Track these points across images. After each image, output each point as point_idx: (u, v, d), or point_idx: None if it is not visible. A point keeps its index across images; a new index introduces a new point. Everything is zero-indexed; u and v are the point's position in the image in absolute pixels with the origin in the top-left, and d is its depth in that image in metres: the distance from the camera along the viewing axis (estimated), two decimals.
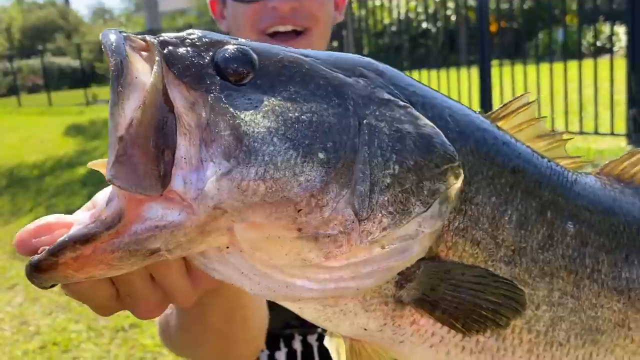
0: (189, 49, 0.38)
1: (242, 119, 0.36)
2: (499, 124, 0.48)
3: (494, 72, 5.33)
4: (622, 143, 4.85)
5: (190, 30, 0.41)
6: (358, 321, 0.42)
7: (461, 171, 0.40)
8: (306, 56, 0.42)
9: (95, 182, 7.01)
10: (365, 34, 8.89)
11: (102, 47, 0.38)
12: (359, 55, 0.45)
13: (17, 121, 14.06)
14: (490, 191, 0.42)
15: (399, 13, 8.29)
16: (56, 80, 17.32)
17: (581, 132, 5.00)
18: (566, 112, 5.00)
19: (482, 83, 5.53)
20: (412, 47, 7.43)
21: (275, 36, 0.87)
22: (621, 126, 4.96)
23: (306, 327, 0.89)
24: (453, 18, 9.00)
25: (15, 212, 6.73)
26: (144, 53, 0.38)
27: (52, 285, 0.37)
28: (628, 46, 4.62)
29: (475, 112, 0.48)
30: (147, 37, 0.39)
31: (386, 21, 9.04)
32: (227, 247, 0.37)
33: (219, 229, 0.36)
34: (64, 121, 12.61)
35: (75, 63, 16.46)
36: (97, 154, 8.69)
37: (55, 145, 9.94)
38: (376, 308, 0.41)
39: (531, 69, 5.10)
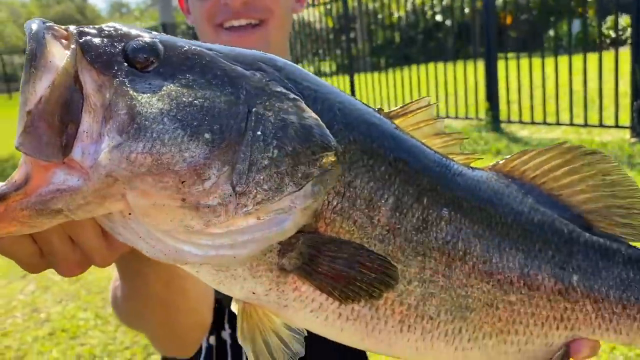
0: (103, 39, 0.44)
1: (138, 100, 0.41)
2: (397, 121, 0.53)
3: (511, 64, 5.20)
4: (626, 135, 4.80)
5: (109, 24, 0.46)
6: (247, 285, 0.46)
7: (336, 159, 0.44)
8: (210, 50, 0.46)
9: None
10: (378, 27, 8.89)
11: (25, 35, 0.43)
12: (262, 52, 0.50)
13: None
14: (369, 177, 0.47)
15: (413, 5, 8.26)
16: None
17: (585, 125, 4.94)
18: (571, 105, 4.95)
19: (488, 76, 5.51)
20: (424, 39, 7.40)
21: (231, 29, 0.90)
22: (626, 118, 4.90)
23: None
24: (467, 11, 8.95)
25: None
26: (64, 41, 0.43)
27: None
28: (633, 37, 4.57)
29: (369, 108, 0.52)
30: (70, 27, 0.45)
31: (401, 13, 9.00)
32: (129, 213, 0.42)
33: (113, 195, 0.41)
34: None
35: None
36: None
37: None
38: (262, 274, 0.46)
39: (546, 61, 5.01)
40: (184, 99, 0.41)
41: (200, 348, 0.95)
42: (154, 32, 0.47)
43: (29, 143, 0.39)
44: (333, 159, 0.44)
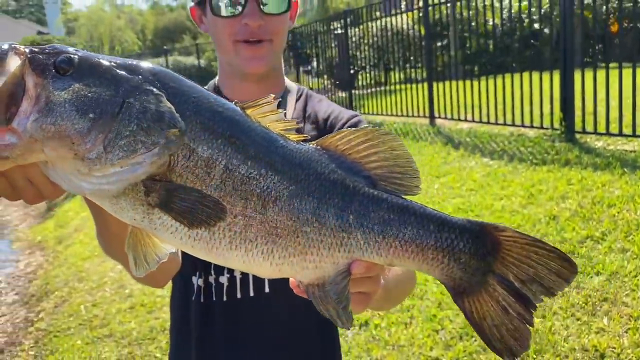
0: (44, 54, 0.68)
1: (53, 92, 0.65)
2: (249, 111, 0.74)
3: (599, 74, 4.98)
4: None
5: (52, 44, 0.71)
6: (129, 214, 0.69)
7: (179, 133, 0.67)
8: (109, 61, 0.70)
9: None
10: (472, 35, 8.83)
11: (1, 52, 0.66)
12: (149, 63, 0.74)
13: None
14: (208, 146, 0.69)
15: (510, 13, 8.15)
16: None
17: None
18: None
19: (563, 86, 5.38)
20: (521, 47, 7.27)
21: (247, 43, 1.12)
22: None
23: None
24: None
25: None
26: (21, 56, 0.67)
27: None
28: None
29: (220, 101, 0.74)
30: (26, 47, 0.69)
31: (496, 21, 8.90)
32: (52, 163, 0.67)
33: (36, 150, 0.65)
34: None
35: (196, 62, 17.79)
36: None
37: None
38: (137, 207, 0.69)
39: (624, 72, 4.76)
40: (81, 92, 0.66)
41: (193, 287, 1.20)
42: (79, 50, 0.71)
43: None
44: (177, 133, 0.67)
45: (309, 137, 0.79)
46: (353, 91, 9.37)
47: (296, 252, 0.73)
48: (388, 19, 8.53)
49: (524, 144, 5.50)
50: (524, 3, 8.53)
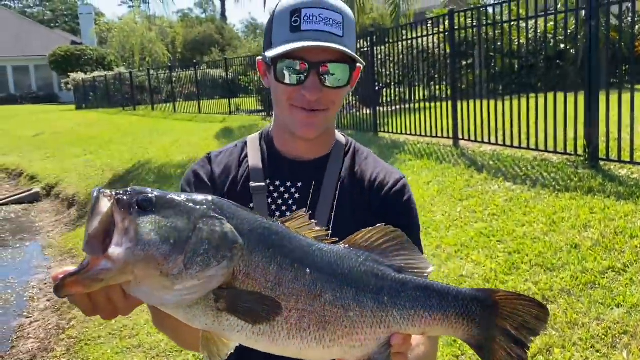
0: (127, 195, 0.83)
1: (139, 225, 0.80)
2: (287, 224, 0.91)
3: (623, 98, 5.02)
4: None
5: (132, 187, 0.86)
6: (201, 320, 0.83)
7: (240, 247, 0.83)
8: (178, 197, 0.86)
9: None
10: (497, 54, 8.90)
11: (93, 199, 0.82)
12: (211, 197, 0.89)
13: (171, 125, 15.89)
14: (262, 256, 0.85)
15: (535, 33, 8.21)
16: (207, 90, 19.19)
17: None
18: None
19: (588, 111, 5.41)
20: (547, 67, 7.32)
21: (304, 110, 1.17)
22: None
23: None
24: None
25: None
26: (109, 198, 0.82)
27: (65, 296, 0.81)
28: None
29: (265, 220, 0.90)
30: (113, 191, 0.83)
31: (521, 41, 8.95)
32: (137, 280, 0.81)
33: (127, 272, 0.79)
34: (208, 127, 14.05)
35: (224, 75, 18.12)
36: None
37: (198, 149, 11.15)
38: (208, 312, 0.83)
39: None
40: (162, 223, 0.81)
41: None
42: (154, 190, 0.86)
43: (88, 249, 0.79)
44: (239, 247, 0.83)
45: (335, 240, 0.95)
46: (378, 108, 9.48)
47: (344, 335, 0.88)
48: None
49: (547, 169, 5.54)
50: (550, 24, 8.61)
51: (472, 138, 7.17)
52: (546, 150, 5.96)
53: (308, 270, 0.86)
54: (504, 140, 6.61)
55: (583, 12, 5.55)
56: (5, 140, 18.30)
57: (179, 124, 15.92)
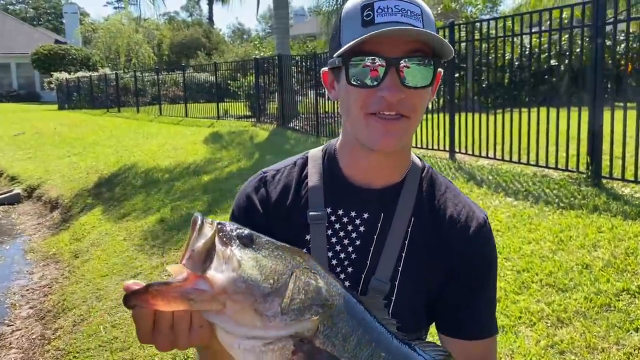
0: (229, 227, 0.79)
1: (240, 259, 0.76)
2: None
3: (621, 116, 5.05)
4: None
5: (231, 223, 0.82)
6: None
7: (331, 306, 0.80)
8: (275, 241, 0.82)
9: (215, 190, 7.72)
10: (487, 68, 8.92)
11: (194, 221, 0.79)
12: (305, 251, 0.86)
13: (157, 128, 15.63)
14: (345, 322, 0.81)
15: (522, 48, 8.23)
16: (194, 93, 18.97)
17: None
18: None
19: (592, 128, 5.38)
20: (535, 83, 7.34)
21: (380, 116, 0.98)
22: None
23: None
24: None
25: (146, 210, 7.60)
26: (211, 225, 0.78)
27: (135, 306, 0.74)
28: None
29: (348, 290, 0.87)
30: (214, 221, 0.80)
31: (508, 56, 8.97)
32: (227, 314, 0.75)
33: (220, 300, 0.73)
34: (195, 131, 13.84)
35: (212, 79, 17.93)
36: (220, 164, 9.50)
37: (185, 153, 10.95)
38: None
39: None
40: (263, 262, 0.77)
41: None
42: (253, 233, 0.82)
43: (190, 264, 0.74)
44: (329, 306, 0.79)
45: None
46: None
47: None
48: None
49: (549, 185, 5.49)
50: (544, 39, 8.68)
51: (469, 152, 7.12)
52: (546, 167, 5.93)
53: (383, 354, 0.84)
54: (502, 154, 6.57)
55: (574, 30, 5.54)
56: None
57: (166, 127, 15.67)
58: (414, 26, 0.95)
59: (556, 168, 5.82)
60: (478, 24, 7.61)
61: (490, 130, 6.78)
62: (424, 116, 7.94)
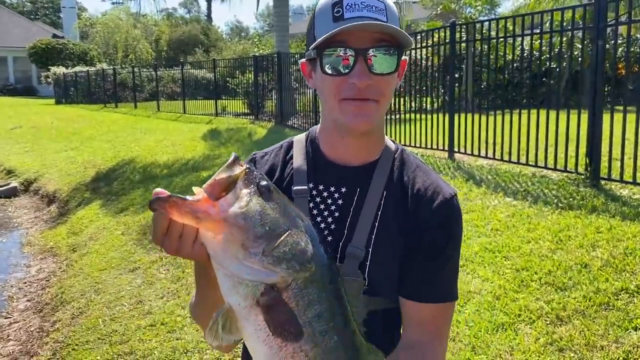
0: (255, 174, 0.90)
1: (250, 202, 0.87)
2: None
3: (621, 119, 5.09)
4: None
5: (260, 173, 0.93)
6: (237, 299, 0.87)
7: (308, 270, 0.89)
8: (288, 201, 0.94)
9: None
10: (486, 69, 8.95)
11: (231, 159, 0.89)
12: (309, 219, 0.97)
13: (155, 124, 15.61)
14: (316, 292, 0.91)
15: (522, 49, 8.26)
16: (192, 90, 18.94)
17: None
18: None
19: (591, 130, 5.41)
20: (532, 84, 7.38)
21: (352, 100, 1.10)
22: None
23: None
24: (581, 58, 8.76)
25: (144, 205, 7.59)
26: (240, 166, 0.89)
27: (156, 210, 0.84)
28: None
29: (333, 263, 1.01)
30: (245, 164, 0.90)
31: (508, 57, 9.00)
32: (219, 239, 0.85)
33: (218, 226, 0.85)
34: (193, 128, 13.82)
35: (210, 76, 17.91)
36: (219, 160, 9.50)
37: (184, 149, 10.94)
38: (248, 298, 0.86)
39: None
40: (267, 211, 0.88)
41: None
42: (272, 186, 0.93)
43: (209, 190, 0.84)
44: (307, 269, 0.89)
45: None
46: None
47: None
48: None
49: (548, 186, 5.52)
50: (544, 40, 8.71)
51: (468, 151, 7.15)
52: (545, 167, 5.96)
53: (335, 337, 0.91)
54: (501, 155, 6.60)
55: (575, 32, 5.57)
56: None
57: (164, 123, 15.64)
58: (379, 20, 1.07)
59: (555, 169, 5.85)
60: (478, 25, 7.63)
61: (490, 131, 6.80)
62: (424, 116, 7.94)
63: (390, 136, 8.53)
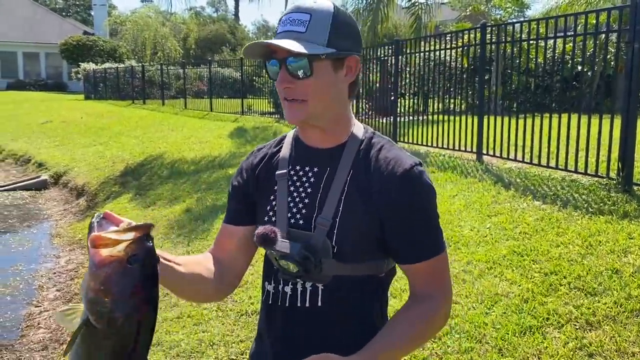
0: (137, 246, 0.96)
1: (107, 258, 0.96)
2: None
3: None
4: None
5: (144, 246, 0.97)
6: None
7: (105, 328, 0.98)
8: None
9: None
10: (514, 72, 8.85)
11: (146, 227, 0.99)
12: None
13: (182, 121, 15.79)
14: (106, 341, 1.01)
15: (554, 52, 8.15)
16: (218, 88, 19.10)
17: None
18: None
19: (624, 134, 5.32)
20: (563, 88, 7.27)
21: (287, 100, 1.31)
22: None
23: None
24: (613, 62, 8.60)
25: (172, 200, 7.69)
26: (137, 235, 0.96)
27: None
28: None
29: None
30: (140, 237, 0.96)
31: (539, 60, 8.88)
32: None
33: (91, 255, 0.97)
34: (220, 126, 13.95)
35: (237, 75, 18.05)
36: (244, 157, 9.57)
37: (210, 146, 11.05)
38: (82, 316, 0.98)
39: None
40: (111, 274, 0.95)
41: (265, 291, 1.43)
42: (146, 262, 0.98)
43: (110, 233, 0.97)
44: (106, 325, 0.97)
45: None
46: (398, 118, 9.39)
47: None
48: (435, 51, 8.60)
49: (578, 190, 5.44)
50: (569, 45, 8.57)
51: (497, 154, 7.08)
52: (575, 171, 5.87)
53: None
54: (530, 158, 6.52)
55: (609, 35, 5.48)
56: (14, 125, 18.20)
57: (191, 121, 15.82)
58: (297, 31, 1.25)
59: (585, 173, 5.75)
60: (510, 27, 7.55)
61: (520, 134, 6.73)
62: (451, 117, 7.88)
63: (416, 137, 8.47)
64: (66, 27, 39.50)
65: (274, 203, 1.37)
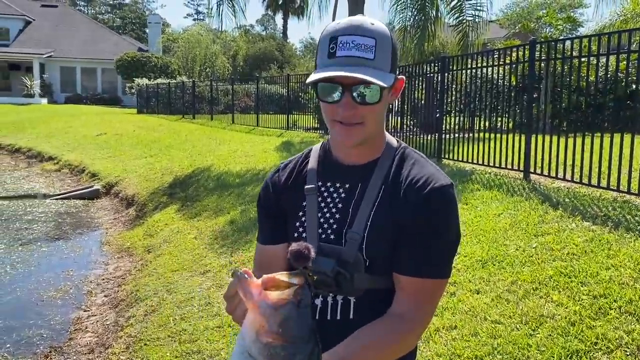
0: (304, 291, 1.00)
1: (283, 305, 0.97)
2: None
3: None
4: None
5: (307, 292, 1.00)
6: None
7: None
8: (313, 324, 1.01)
9: None
10: (565, 90, 8.65)
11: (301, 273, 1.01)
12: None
13: (229, 135, 16.11)
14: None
15: (606, 70, 7.92)
16: (265, 104, 19.44)
17: None
18: None
19: None
20: (616, 107, 7.05)
21: (341, 123, 1.30)
22: None
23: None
24: None
25: (217, 212, 7.84)
26: (299, 279, 1.01)
27: (232, 277, 1.02)
28: None
29: None
30: (304, 280, 0.99)
31: (591, 78, 8.64)
32: (249, 314, 0.98)
33: (253, 308, 0.97)
34: (266, 140, 14.16)
35: (283, 91, 18.32)
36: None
37: (255, 160, 11.22)
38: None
39: None
40: (289, 319, 0.97)
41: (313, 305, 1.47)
42: (308, 308, 1.02)
43: (265, 280, 1.01)
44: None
45: None
46: (443, 135, 9.29)
47: None
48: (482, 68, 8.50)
49: (631, 212, 5.24)
50: (623, 63, 8.30)
51: (545, 173, 6.91)
52: (628, 192, 5.65)
53: None
54: (580, 177, 6.33)
55: None
56: (70, 137, 18.99)
57: (238, 135, 16.12)
58: (366, 57, 1.23)
59: (638, 194, 5.54)
60: (560, 45, 7.40)
61: (569, 153, 6.55)
62: (498, 135, 7.73)
63: (462, 154, 8.36)
64: (122, 44, 41.11)
65: (303, 219, 1.38)
